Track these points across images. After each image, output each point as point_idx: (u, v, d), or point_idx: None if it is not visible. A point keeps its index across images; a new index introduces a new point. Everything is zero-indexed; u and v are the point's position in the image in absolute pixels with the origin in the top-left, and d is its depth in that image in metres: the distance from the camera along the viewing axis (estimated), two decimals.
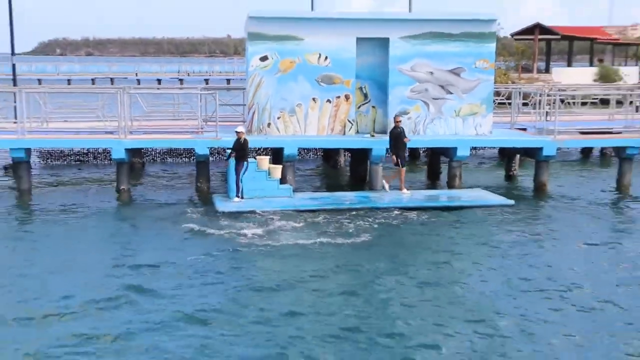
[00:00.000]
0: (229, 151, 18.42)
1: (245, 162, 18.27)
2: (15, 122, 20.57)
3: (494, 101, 22.53)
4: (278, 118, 20.43)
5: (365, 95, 21.18)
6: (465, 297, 11.81)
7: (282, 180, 19.30)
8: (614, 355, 9.73)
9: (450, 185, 20.75)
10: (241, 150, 18.22)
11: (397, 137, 19.14)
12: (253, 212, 17.56)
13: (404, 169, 19.39)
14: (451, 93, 20.90)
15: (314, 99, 20.49)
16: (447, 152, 20.70)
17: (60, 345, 9.73)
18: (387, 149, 19.76)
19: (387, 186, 19.52)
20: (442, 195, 19.63)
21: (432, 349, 9.75)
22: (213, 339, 9.98)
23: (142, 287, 12.04)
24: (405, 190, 19.38)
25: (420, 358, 9.50)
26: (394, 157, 19.30)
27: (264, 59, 20.24)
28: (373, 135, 20.49)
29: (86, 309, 10.98)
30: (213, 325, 10.46)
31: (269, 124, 20.39)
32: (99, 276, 12.63)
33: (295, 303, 11.38)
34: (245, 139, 18.27)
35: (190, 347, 9.69)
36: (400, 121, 19.36)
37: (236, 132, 18.34)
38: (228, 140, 19.62)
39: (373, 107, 21.26)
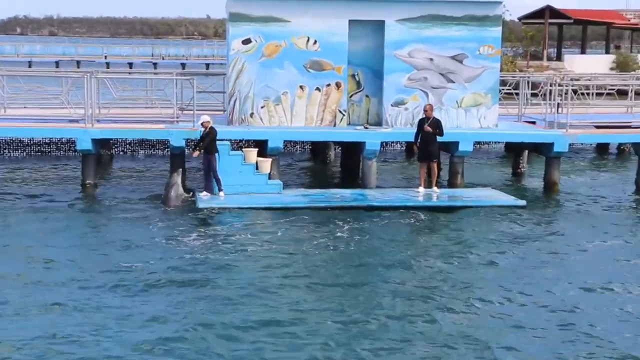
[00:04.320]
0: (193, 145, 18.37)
1: (217, 154, 18.32)
2: None
3: (500, 91, 22.58)
4: (262, 107, 20.40)
5: (358, 83, 21.18)
6: (475, 324, 11.59)
7: (269, 175, 19.28)
8: None
9: (452, 183, 20.77)
10: (212, 142, 18.23)
11: (423, 128, 18.99)
12: (238, 209, 17.61)
13: (435, 163, 19.40)
14: (453, 82, 20.92)
15: (301, 87, 20.46)
16: (449, 147, 20.69)
17: None
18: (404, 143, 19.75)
19: (437, 188, 19.42)
20: (445, 194, 19.67)
21: None
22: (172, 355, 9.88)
23: (96, 299, 11.87)
24: (435, 187, 19.42)
25: None
26: (415, 147, 19.28)
27: (246, 42, 20.19)
28: (367, 127, 20.50)
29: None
30: (173, 345, 10.28)
31: (251, 114, 20.36)
32: (46, 281, 12.45)
33: (276, 313, 11.31)
34: (212, 128, 18.25)
35: None
36: (430, 110, 19.16)
37: (201, 123, 18.37)
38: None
39: (367, 96, 21.26)
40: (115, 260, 13.79)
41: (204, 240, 15.23)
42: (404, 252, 14.87)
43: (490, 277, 13.51)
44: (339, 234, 15.95)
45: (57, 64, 68.32)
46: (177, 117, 20.63)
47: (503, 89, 25.42)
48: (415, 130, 19.31)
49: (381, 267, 13.75)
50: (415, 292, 12.45)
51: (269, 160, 19.26)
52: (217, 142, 18.65)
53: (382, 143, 20.90)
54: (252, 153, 19.20)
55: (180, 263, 13.71)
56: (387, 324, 11.07)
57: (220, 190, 18.36)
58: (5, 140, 25.48)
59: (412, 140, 19.46)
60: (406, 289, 12.60)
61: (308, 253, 14.57)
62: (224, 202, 18.05)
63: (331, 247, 14.97)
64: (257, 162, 19.03)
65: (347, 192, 19.49)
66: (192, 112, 20.06)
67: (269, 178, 19.09)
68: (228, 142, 19.28)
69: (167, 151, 23.30)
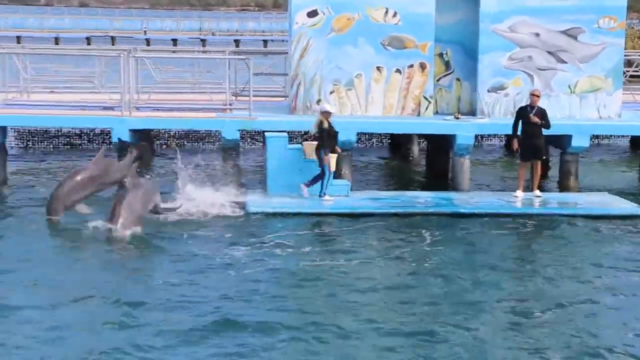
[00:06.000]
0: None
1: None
2: None
3: (624, 73, 22.32)
4: (331, 93, 20.59)
5: (447, 64, 21.23)
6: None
7: (336, 174, 19.46)
8: None
9: (563, 185, 20.68)
10: (329, 138, 18.38)
11: (526, 118, 18.90)
12: (294, 214, 17.81)
13: (540, 163, 19.25)
14: (564, 62, 20.80)
15: (378, 69, 20.59)
16: (559, 142, 20.59)
17: None
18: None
19: (539, 192, 19.37)
20: (551, 200, 19.54)
21: None
22: None
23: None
24: (537, 192, 19.32)
25: None
26: (515, 141, 19.15)
27: (312, 14, 20.41)
28: (458, 117, 20.49)
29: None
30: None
31: (318, 101, 20.53)
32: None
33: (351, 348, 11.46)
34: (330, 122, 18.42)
35: None
36: (539, 97, 19.00)
37: (322, 112, 18.43)
38: (264, 121, 19.86)
39: (457, 79, 21.31)
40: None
41: (249, 252, 15.31)
42: (496, 269, 14.82)
43: (608, 304, 13.38)
44: (417, 246, 15.96)
45: (88, 40, 69.86)
46: (231, 104, 20.94)
47: (628, 71, 25.10)
48: (513, 120, 19.20)
49: (469, 291, 13.69)
50: (512, 320, 12.42)
51: (334, 156, 19.38)
52: (273, 134, 18.90)
53: (476, 136, 20.85)
54: (314, 147, 19.33)
55: (220, 279, 13.87)
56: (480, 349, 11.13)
57: (324, 193, 18.54)
58: (28, 130, 26.13)
59: (509, 134, 19.32)
60: (501, 315, 12.59)
61: (381, 268, 14.66)
62: (279, 206, 18.17)
63: (409, 262, 14.98)
64: None
65: (428, 195, 19.53)
66: (247, 98, 20.32)
67: (335, 177, 19.26)
68: (285, 134, 19.48)
69: (219, 144, 23.53)
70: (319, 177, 18.53)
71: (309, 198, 18.49)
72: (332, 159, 19.00)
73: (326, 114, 18.35)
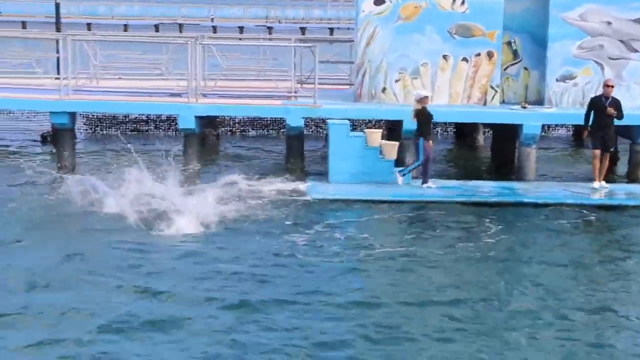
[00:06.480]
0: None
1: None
2: (57, 79, 21.40)
3: None
4: (397, 81, 20.53)
5: (515, 53, 21.04)
6: None
7: (399, 162, 19.44)
8: None
9: (632, 176, 20.43)
10: (428, 124, 18.65)
11: (600, 109, 18.71)
12: (356, 201, 17.91)
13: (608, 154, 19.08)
14: (636, 51, 20.51)
15: (445, 57, 20.48)
16: (629, 132, 20.33)
17: None
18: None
19: (605, 183, 19.19)
20: (618, 191, 19.31)
21: None
22: None
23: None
24: (602, 182, 19.11)
25: None
26: (586, 132, 19.04)
27: (379, 2, 20.34)
28: (525, 107, 20.33)
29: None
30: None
31: (384, 89, 20.52)
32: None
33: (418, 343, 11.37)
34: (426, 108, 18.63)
35: None
36: (612, 87, 18.77)
37: (418, 100, 18.59)
38: (328, 108, 19.88)
39: (525, 68, 21.13)
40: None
41: (308, 238, 15.41)
42: (562, 260, 14.66)
43: None
44: (481, 237, 15.87)
45: (156, 27, 70.58)
46: (296, 92, 21.00)
47: None
48: (585, 111, 18.95)
49: (537, 284, 13.51)
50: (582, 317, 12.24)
51: (396, 144, 19.35)
52: (335, 121, 18.97)
53: (543, 126, 20.63)
54: (376, 135, 19.34)
55: (272, 264, 13.92)
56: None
57: (426, 181, 18.78)
58: (97, 116, 26.52)
59: (582, 123, 19.11)
60: (571, 307, 12.43)
61: (443, 260, 14.55)
62: (340, 193, 18.30)
63: (472, 253, 14.88)
64: (381, 146, 19.20)
65: (491, 185, 19.53)
66: (313, 85, 20.36)
67: (397, 165, 19.22)
68: (347, 122, 19.53)
69: (283, 132, 23.67)
70: (419, 165, 18.76)
71: (368, 186, 18.62)
72: (395, 147, 19.03)
73: (424, 99, 18.53)
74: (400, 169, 18.94)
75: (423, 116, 18.57)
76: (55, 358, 10.29)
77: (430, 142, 18.78)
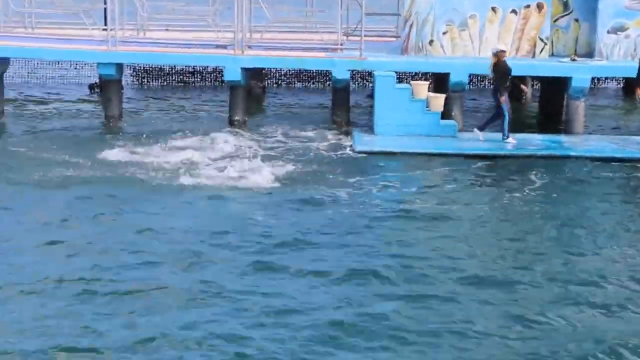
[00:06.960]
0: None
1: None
2: (104, 30, 21.52)
3: None
4: (444, 33, 20.38)
5: (566, 5, 20.79)
6: None
7: (445, 115, 19.36)
8: None
9: None
10: (506, 78, 18.50)
11: None
12: (402, 154, 17.89)
13: None
14: None
15: (493, 9, 20.29)
16: None
17: None
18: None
19: None
20: None
21: None
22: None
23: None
24: None
25: None
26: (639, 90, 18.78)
27: None
28: (574, 59, 20.13)
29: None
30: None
31: (431, 41, 20.39)
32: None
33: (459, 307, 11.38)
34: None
35: None
36: None
37: (495, 53, 18.45)
38: (374, 61, 19.79)
39: (576, 20, 20.86)
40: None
41: (353, 192, 15.30)
42: (605, 214, 14.50)
43: None
44: (525, 189, 15.76)
45: None
46: (342, 44, 20.91)
47: None
48: (638, 65, 18.67)
49: (574, 237, 13.36)
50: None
51: (443, 96, 19.25)
52: (381, 73, 18.90)
53: (593, 79, 20.39)
54: (423, 87, 19.25)
55: (317, 223, 13.72)
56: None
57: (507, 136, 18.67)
58: (144, 67, 26.71)
59: (634, 77, 18.86)
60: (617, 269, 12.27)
61: (485, 211, 14.48)
62: (386, 146, 18.30)
63: (518, 208, 14.75)
64: (428, 98, 19.11)
65: (538, 138, 19.41)
66: (359, 38, 20.27)
67: (444, 118, 19.12)
68: (393, 73, 19.41)
69: (329, 84, 23.65)
70: (494, 119, 18.74)
71: (413, 138, 18.61)
72: (440, 99, 18.95)
73: (502, 53, 18.43)
74: (480, 124, 19.01)
75: (499, 70, 18.44)
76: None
77: (503, 97, 18.54)
